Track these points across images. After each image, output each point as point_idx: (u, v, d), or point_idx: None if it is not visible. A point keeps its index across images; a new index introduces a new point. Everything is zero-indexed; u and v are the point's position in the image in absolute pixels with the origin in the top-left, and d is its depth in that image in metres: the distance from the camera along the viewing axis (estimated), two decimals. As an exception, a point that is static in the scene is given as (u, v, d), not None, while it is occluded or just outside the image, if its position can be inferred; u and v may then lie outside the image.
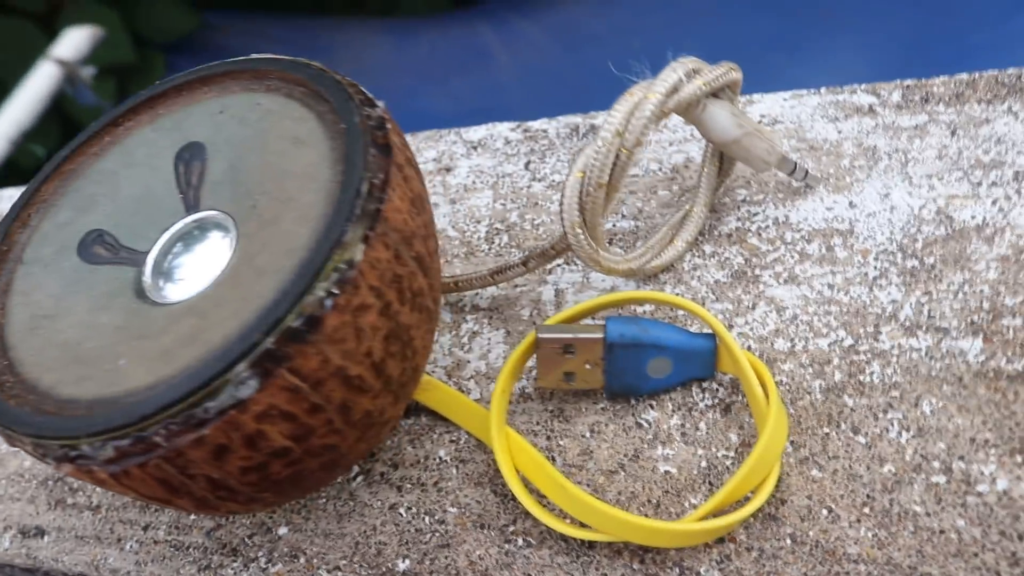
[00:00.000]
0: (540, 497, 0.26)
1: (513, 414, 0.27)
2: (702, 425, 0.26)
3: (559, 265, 0.30)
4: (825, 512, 0.23)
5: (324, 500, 0.28)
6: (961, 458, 0.23)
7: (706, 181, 0.28)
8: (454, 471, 0.27)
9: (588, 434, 0.26)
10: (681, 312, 0.28)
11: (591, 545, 0.25)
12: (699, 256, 0.28)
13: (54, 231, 0.24)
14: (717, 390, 0.26)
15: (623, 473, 0.25)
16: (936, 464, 0.23)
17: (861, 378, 0.25)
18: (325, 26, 1.28)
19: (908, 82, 0.30)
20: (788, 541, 0.23)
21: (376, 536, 0.27)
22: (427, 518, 0.26)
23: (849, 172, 0.29)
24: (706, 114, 0.26)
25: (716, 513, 0.24)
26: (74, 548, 0.29)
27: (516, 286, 0.30)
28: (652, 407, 0.26)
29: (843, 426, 0.24)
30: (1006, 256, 0.25)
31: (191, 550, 0.28)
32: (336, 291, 0.20)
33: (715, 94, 0.26)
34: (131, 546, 0.29)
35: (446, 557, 0.26)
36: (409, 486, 0.27)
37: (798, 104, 0.31)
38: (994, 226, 0.26)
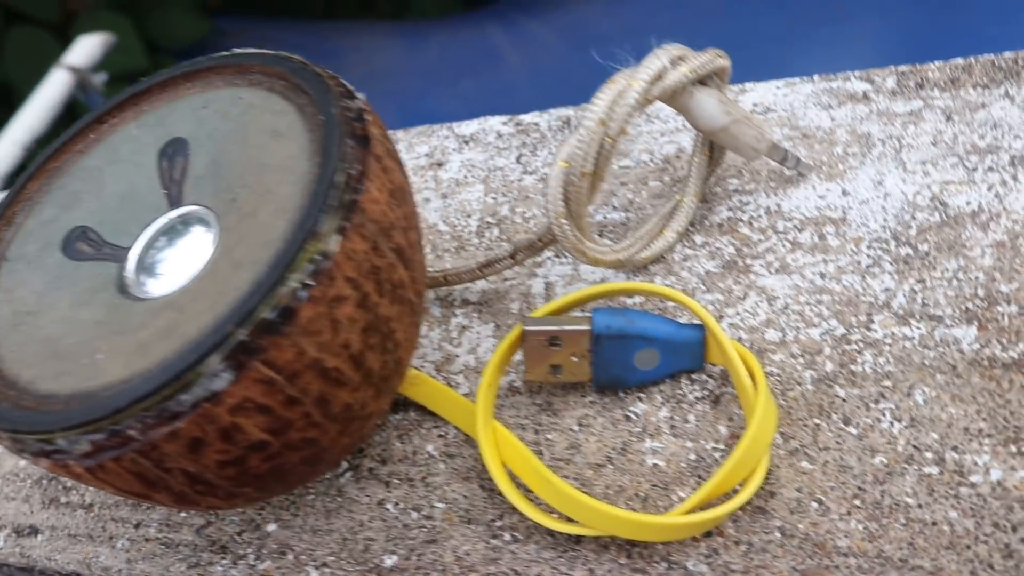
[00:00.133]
0: (527, 492, 0.25)
1: (501, 408, 0.27)
2: (691, 417, 0.25)
3: (549, 258, 0.30)
4: (815, 505, 0.23)
5: (312, 496, 0.28)
6: (954, 448, 0.23)
7: (696, 171, 0.28)
8: (442, 466, 0.27)
9: (576, 427, 0.26)
10: (671, 303, 0.27)
11: (578, 540, 0.24)
12: (690, 247, 0.28)
13: (38, 228, 0.25)
14: (707, 382, 0.26)
15: (611, 466, 0.25)
16: (929, 455, 0.23)
17: (853, 368, 0.24)
18: (336, 29, 1.29)
19: (903, 68, 0.29)
20: (777, 534, 0.23)
21: (364, 532, 0.26)
22: (414, 513, 0.26)
23: (842, 159, 0.28)
24: (693, 102, 0.25)
25: (704, 506, 0.23)
26: (67, 546, 0.30)
27: (506, 279, 0.30)
28: (641, 399, 0.26)
29: (834, 417, 0.24)
30: (1001, 242, 0.25)
31: (181, 547, 0.28)
32: (311, 282, 0.20)
33: (703, 82, 0.26)
34: (122, 544, 0.29)
35: (433, 553, 0.25)
36: (397, 481, 0.27)
37: (791, 92, 0.30)
38: (989, 212, 0.26)
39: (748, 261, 0.27)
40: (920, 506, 0.22)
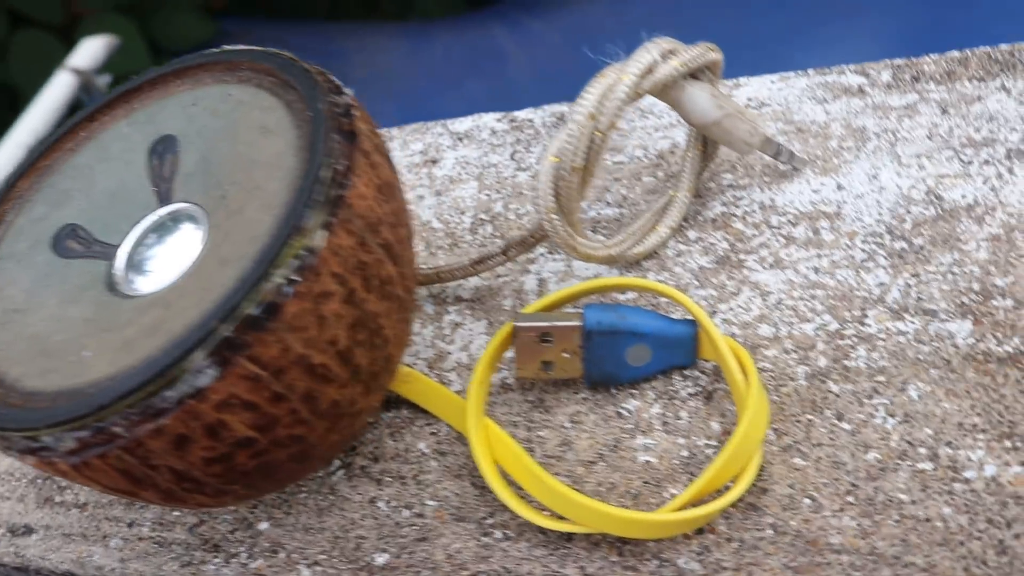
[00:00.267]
0: (519, 489, 0.25)
1: (493, 405, 0.27)
2: (683, 414, 0.25)
3: (542, 254, 0.29)
4: (808, 501, 0.23)
5: (305, 494, 0.27)
6: (948, 444, 0.22)
7: (689, 166, 0.28)
8: (434, 464, 0.27)
9: (568, 424, 0.26)
10: (664, 299, 0.27)
11: (569, 537, 0.24)
12: (683, 242, 0.28)
13: (28, 226, 0.25)
14: (699, 378, 0.25)
15: (603, 463, 0.25)
16: (922, 450, 0.22)
17: (846, 363, 0.24)
18: (340, 31, 1.29)
19: (898, 61, 0.29)
20: (769, 531, 0.23)
21: (355, 530, 0.26)
22: (406, 511, 0.26)
23: (837, 154, 0.28)
24: (685, 96, 0.25)
25: (695, 503, 0.23)
26: (61, 546, 0.30)
27: (499, 276, 0.29)
28: (633, 396, 0.26)
29: (827, 412, 0.24)
30: (997, 235, 0.25)
31: (174, 546, 0.28)
32: (296, 278, 0.20)
33: (695, 76, 0.26)
34: (116, 543, 0.29)
35: (424, 551, 0.25)
36: (389, 479, 0.27)
37: (785, 86, 0.30)
38: (985, 205, 0.25)
39: (741, 256, 0.27)
40: (914, 502, 0.22)
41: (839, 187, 0.27)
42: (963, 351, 0.23)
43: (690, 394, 0.25)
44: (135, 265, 0.23)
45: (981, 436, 0.22)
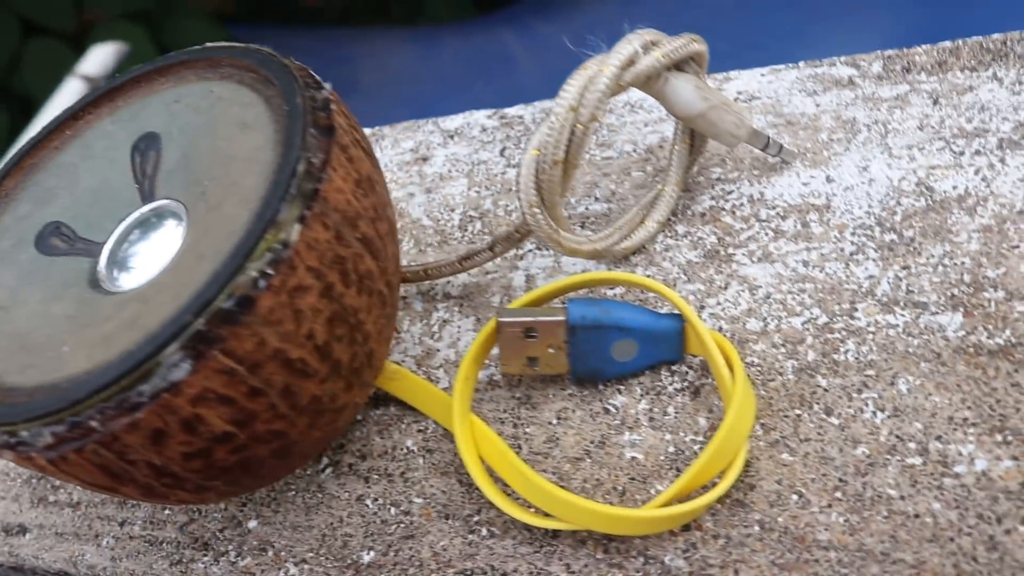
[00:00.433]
0: (505, 486, 0.25)
1: (480, 402, 0.27)
2: (670, 409, 0.25)
3: (530, 251, 0.29)
4: (795, 497, 0.22)
5: (293, 492, 0.27)
6: (938, 438, 0.22)
7: (677, 160, 0.27)
8: (421, 461, 0.26)
9: (555, 421, 0.26)
10: (652, 294, 0.27)
11: (555, 534, 0.24)
12: (671, 236, 0.28)
13: (13, 224, 0.25)
14: (687, 373, 0.25)
15: (589, 460, 0.25)
16: (912, 445, 0.22)
17: (836, 357, 0.24)
18: (350, 36, 1.29)
19: (889, 52, 0.29)
20: (756, 528, 0.22)
21: (342, 528, 0.26)
22: (393, 509, 0.26)
23: (827, 146, 0.28)
24: (668, 87, 0.25)
25: (681, 499, 0.23)
26: (54, 545, 0.30)
27: (487, 273, 0.29)
28: (620, 392, 0.25)
29: (816, 407, 0.23)
30: (988, 226, 0.24)
31: (164, 545, 0.28)
32: (270, 271, 0.20)
33: (680, 68, 0.25)
34: (107, 542, 0.29)
35: (410, 548, 0.25)
36: (376, 477, 0.27)
37: (776, 79, 0.30)
38: (976, 196, 0.25)
39: (730, 250, 0.27)
40: (903, 498, 0.21)
41: (829, 179, 0.27)
42: (953, 344, 0.23)
43: (677, 389, 0.25)
44: (118, 262, 0.23)
45: (972, 430, 0.22)
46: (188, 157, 0.24)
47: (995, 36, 0.27)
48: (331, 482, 0.27)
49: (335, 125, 0.22)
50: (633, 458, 0.24)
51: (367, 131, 0.36)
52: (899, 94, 0.28)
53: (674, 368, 0.25)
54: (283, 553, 0.26)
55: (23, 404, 0.20)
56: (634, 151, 0.30)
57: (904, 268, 0.24)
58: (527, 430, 0.26)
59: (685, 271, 0.27)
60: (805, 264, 0.26)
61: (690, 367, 0.25)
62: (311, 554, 0.26)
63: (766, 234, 0.26)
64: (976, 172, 0.25)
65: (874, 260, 0.25)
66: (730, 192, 0.28)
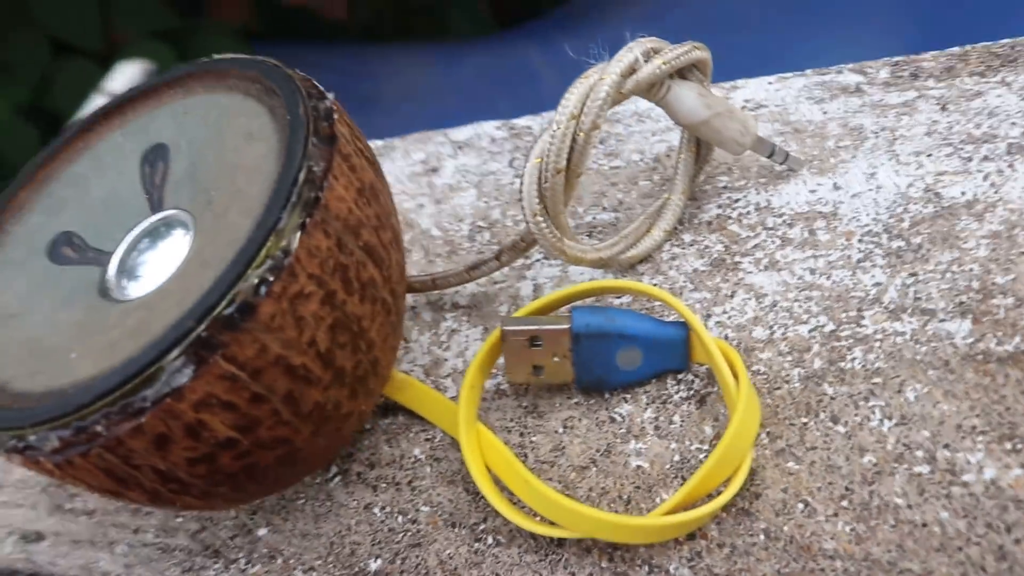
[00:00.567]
0: (511, 495, 0.25)
1: (487, 411, 0.27)
2: (676, 418, 0.25)
3: (537, 260, 0.29)
4: (801, 506, 0.22)
5: (303, 500, 0.27)
6: (946, 446, 0.22)
7: (683, 168, 0.27)
8: (428, 470, 0.26)
9: (561, 429, 0.26)
10: (658, 303, 0.27)
11: (560, 543, 0.24)
12: (678, 245, 0.28)
13: (26, 234, 0.25)
14: (692, 381, 0.25)
15: (595, 469, 0.25)
16: (919, 453, 0.22)
17: (842, 365, 0.24)
18: (374, 52, 1.30)
19: (897, 58, 0.28)
20: (761, 537, 0.22)
21: (351, 536, 0.26)
22: (400, 517, 0.26)
23: (834, 153, 0.27)
24: (671, 95, 0.25)
25: (686, 507, 0.23)
26: (69, 552, 0.30)
27: (495, 282, 0.29)
28: (626, 401, 0.25)
29: (822, 415, 0.23)
30: (997, 232, 0.24)
31: (176, 552, 0.28)
32: (271, 278, 0.20)
33: (683, 75, 0.25)
34: (121, 549, 0.29)
35: (417, 556, 0.25)
36: (384, 485, 0.27)
37: (783, 87, 0.30)
38: (985, 202, 0.25)
39: (737, 259, 0.27)
40: (910, 507, 0.21)
41: (836, 187, 0.27)
42: (962, 351, 0.23)
43: (683, 398, 0.25)
44: (127, 271, 0.24)
45: (980, 438, 0.21)
46: (195, 167, 0.24)
47: (1004, 41, 0.27)
48: (340, 490, 0.27)
49: (337, 134, 0.22)
50: (639, 467, 0.24)
51: (379, 142, 0.36)
52: (907, 100, 0.28)
53: (680, 377, 0.25)
54: (292, 561, 0.26)
55: (31, 409, 0.20)
56: (641, 160, 0.30)
57: (912, 275, 0.24)
58: (533, 439, 0.26)
59: (691, 280, 0.27)
60: (812, 272, 0.25)
61: (696, 376, 0.25)
62: (319, 562, 0.26)
63: (773, 242, 0.26)
64: (985, 178, 0.25)
65: (881, 267, 0.25)
66: (737, 200, 0.28)
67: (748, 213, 0.27)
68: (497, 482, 0.25)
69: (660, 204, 0.28)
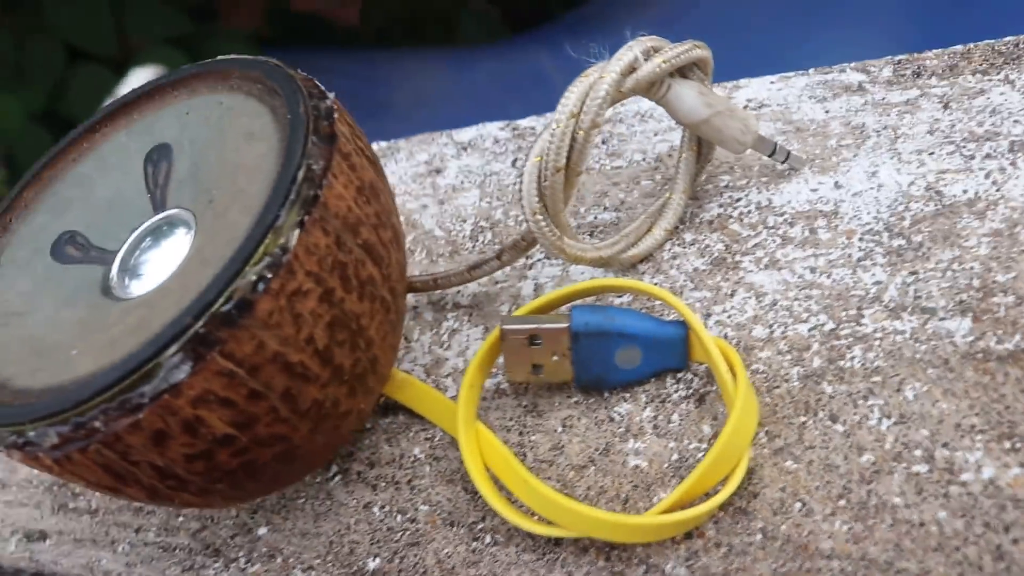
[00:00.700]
0: (509, 494, 0.25)
1: (487, 410, 0.27)
2: (675, 417, 0.25)
3: (539, 260, 0.29)
4: (799, 505, 0.22)
5: (303, 500, 0.28)
6: (945, 445, 0.21)
7: (684, 167, 0.27)
8: (427, 469, 0.27)
9: (560, 429, 0.26)
10: (659, 302, 0.27)
11: (558, 542, 0.24)
12: (679, 244, 0.28)
13: (30, 234, 0.25)
14: (692, 381, 0.25)
15: (593, 468, 0.25)
16: (918, 452, 0.22)
17: (841, 364, 0.24)
18: (386, 58, 1.31)
19: (900, 57, 0.28)
20: (759, 536, 0.22)
21: (350, 535, 0.26)
22: (399, 516, 0.26)
23: (836, 152, 0.27)
24: (671, 94, 0.25)
25: (683, 506, 0.23)
26: (72, 550, 0.30)
27: (496, 282, 0.29)
28: (625, 400, 0.25)
29: (821, 414, 0.23)
30: (999, 230, 0.24)
31: (177, 551, 0.28)
32: (268, 275, 0.20)
33: (684, 74, 0.25)
34: (123, 548, 0.29)
35: (415, 555, 0.25)
36: (384, 484, 0.27)
37: (785, 86, 0.30)
38: (987, 199, 0.24)
39: (737, 258, 0.26)
40: (908, 506, 0.21)
41: (837, 185, 0.27)
42: (962, 350, 0.23)
43: (682, 397, 0.25)
44: (129, 269, 0.24)
45: (979, 437, 0.21)
46: (198, 167, 0.24)
47: (1007, 39, 0.27)
48: (340, 490, 0.27)
49: (337, 133, 0.22)
50: (637, 466, 0.24)
51: (384, 144, 0.36)
52: (909, 99, 0.27)
53: (679, 376, 0.25)
54: (291, 560, 0.27)
55: (30, 405, 0.21)
56: (643, 160, 0.30)
57: (912, 273, 0.24)
58: (532, 438, 0.26)
59: (692, 279, 0.27)
60: (812, 270, 0.25)
61: (695, 375, 0.25)
62: (318, 560, 0.26)
63: (773, 241, 0.26)
64: (987, 176, 0.25)
65: (882, 266, 0.25)
66: (738, 200, 0.28)
67: (749, 212, 0.27)
68: (496, 481, 0.25)
69: (661, 203, 0.28)
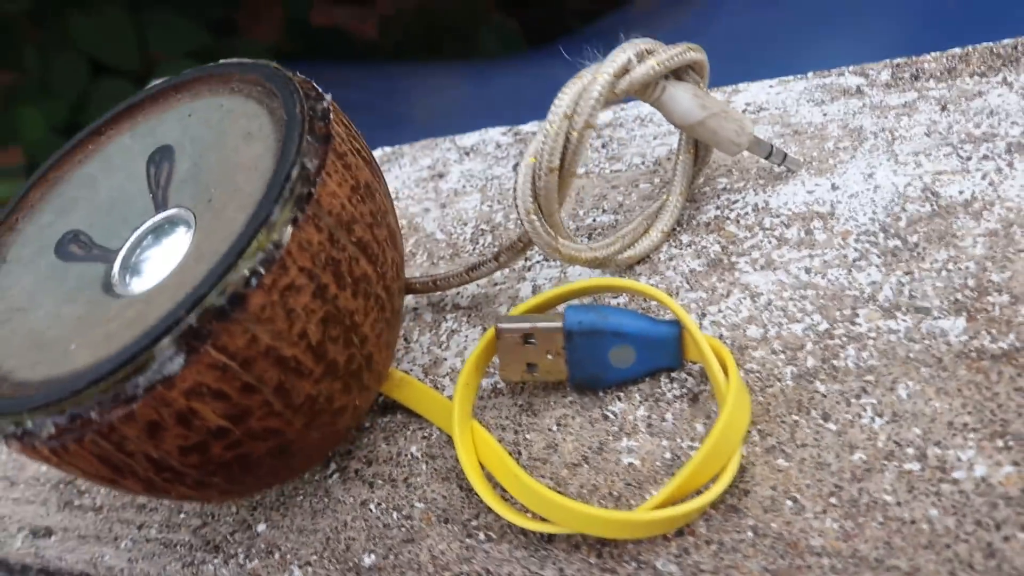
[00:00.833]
0: (504, 491, 0.25)
1: (484, 409, 0.27)
2: (668, 416, 0.25)
3: (537, 262, 0.29)
4: (790, 503, 0.22)
5: (301, 497, 0.28)
6: (937, 444, 0.21)
7: (681, 170, 0.27)
8: (424, 467, 0.27)
9: (555, 427, 0.26)
10: (656, 303, 0.27)
11: (550, 539, 0.24)
12: (676, 246, 0.28)
13: (36, 233, 0.26)
14: (686, 380, 0.25)
15: (586, 466, 0.25)
16: (910, 450, 0.22)
17: (835, 363, 0.23)
18: (404, 71, 1.32)
19: (898, 60, 0.28)
20: (749, 533, 0.22)
21: (346, 532, 0.26)
22: (395, 513, 0.26)
23: (833, 154, 0.27)
24: (666, 96, 0.25)
25: (674, 502, 0.23)
26: (76, 547, 0.31)
27: (495, 284, 0.30)
28: (620, 399, 0.25)
29: (813, 413, 0.23)
30: (995, 230, 0.24)
31: (178, 547, 0.29)
32: (261, 270, 0.20)
33: (679, 77, 0.26)
34: (125, 544, 0.30)
35: (410, 552, 0.25)
36: (380, 482, 0.27)
37: (784, 90, 0.30)
38: (983, 200, 0.24)
39: (733, 259, 0.27)
40: (899, 504, 0.21)
41: (834, 187, 0.27)
42: (955, 349, 0.22)
43: (676, 396, 0.25)
44: (130, 267, 0.25)
45: (972, 435, 0.21)
46: (198, 167, 0.25)
47: (1006, 41, 0.27)
48: (338, 487, 0.28)
49: (332, 134, 0.23)
50: (630, 464, 0.24)
51: (388, 149, 0.37)
52: (907, 101, 0.27)
53: (673, 375, 0.25)
54: (288, 556, 0.27)
55: (29, 396, 0.21)
56: (643, 163, 0.31)
57: (907, 273, 0.24)
58: (527, 436, 0.26)
59: (688, 280, 0.27)
60: (807, 271, 0.25)
61: (689, 374, 0.25)
62: (315, 557, 0.26)
63: (769, 242, 0.26)
64: (983, 177, 0.25)
65: (877, 266, 0.25)
66: (735, 202, 0.28)
67: (746, 214, 0.27)
68: (490, 478, 0.25)
69: (658, 205, 0.28)
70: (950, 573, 0.20)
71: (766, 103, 0.30)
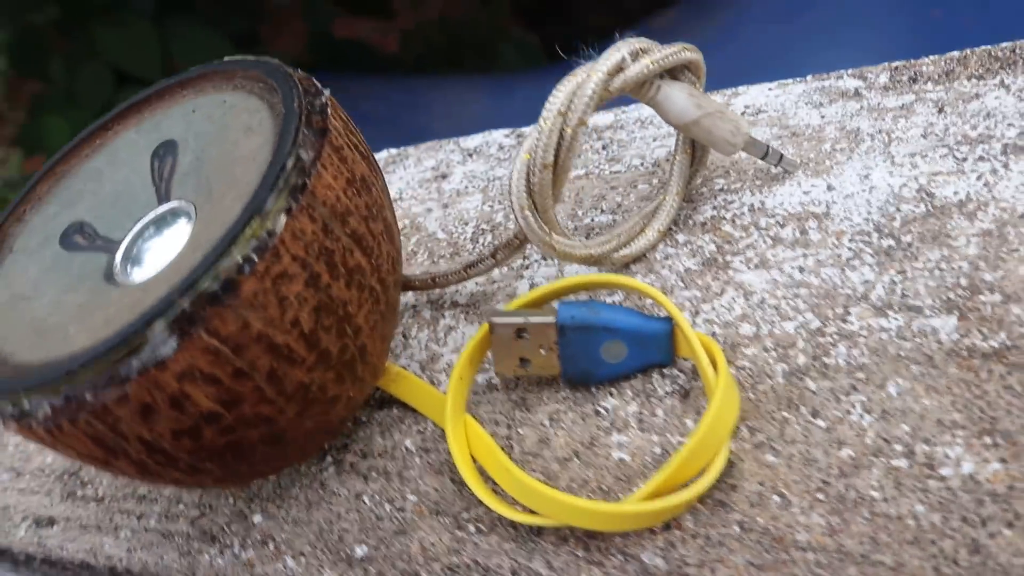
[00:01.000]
0: (495, 485, 0.25)
1: (478, 404, 0.27)
2: (659, 411, 0.25)
3: (535, 260, 0.30)
4: (777, 498, 0.22)
5: (297, 489, 0.28)
6: (925, 440, 0.21)
7: (678, 170, 0.28)
8: (417, 460, 0.27)
9: (547, 422, 0.26)
10: (651, 300, 0.27)
11: (539, 532, 0.24)
12: (672, 245, 0.28)
13: (42, 224, 0.27)
14: (678, 376, 0.25)
15: (577, 460, 0.25)
16: (898, 447, 0.21)
17: (826, 360, 0.24)
18: (425, 84, 1.33)
19: (896, 63, 0.28)
20: (736, 528, 0.22)
21: (340, 523, 0.27)
22: (388, 506, 0.26)
23: (830, 156, 0.27)
24: (661, 95, 0.25)
25: (661, 495, 0.23)
26: (78, 536, 0.31)
27: (493, 281, 0.30)
28: (612, 394, 0.26)
29: (803, 410, 0.23)
30: (988, 231, 0.24)
31: (176, 537, 0.29)
32: (254, 257, 0.21)
33: (675, 76, 0.26)
34: (125, 534, 0.30)
35: (400, 543, 0.25)
36: (375, 475, 0.27)
37: (783, 93, 0.30)
38: (977, 201, 0.24)
39: (728, 258, 0.27)
40: (885, 500, 0.21)
41: (829, 188, 0.27)
42: (946, 347, 0.22)
43: (667, 392, 0.25)
44: (132, 257, 0.25)
45: (960, 433, 0.21)
46: (200, 161, 0.25)
47: (1004, 44, 0.27)
48: (333, 479, 0.28)
49: (329, 127, 0.23)
50: (620, 459, 0.24)
51: (393, 150, 0.37)
52: (904, 103, 0.28)
53: (666, 371, 0.25)
54: (283, 546, 0.27)
55: (26, 378, 0.21)
56: (642, 165, 0.31)
57: (900, 273, 0.24)
58: (520, 431, 0.26)
59: (683, 278, 0.27)
60: (801, 270, 0.25)
61: (681, 371, 0.25)
62: (308, 547, 0.27)
63: (764, 241, 0.26)
64: (978, 177, 0.25)
65: (870, 265, 0.25)
66: (731, 202, 0.28)
67: (742, 214, 0.27)
68: (482, 472, 0.25)
69: (655, 205, 0.28)
70: (935, 569, 0.20)
71: (765, 105, 0.30)
